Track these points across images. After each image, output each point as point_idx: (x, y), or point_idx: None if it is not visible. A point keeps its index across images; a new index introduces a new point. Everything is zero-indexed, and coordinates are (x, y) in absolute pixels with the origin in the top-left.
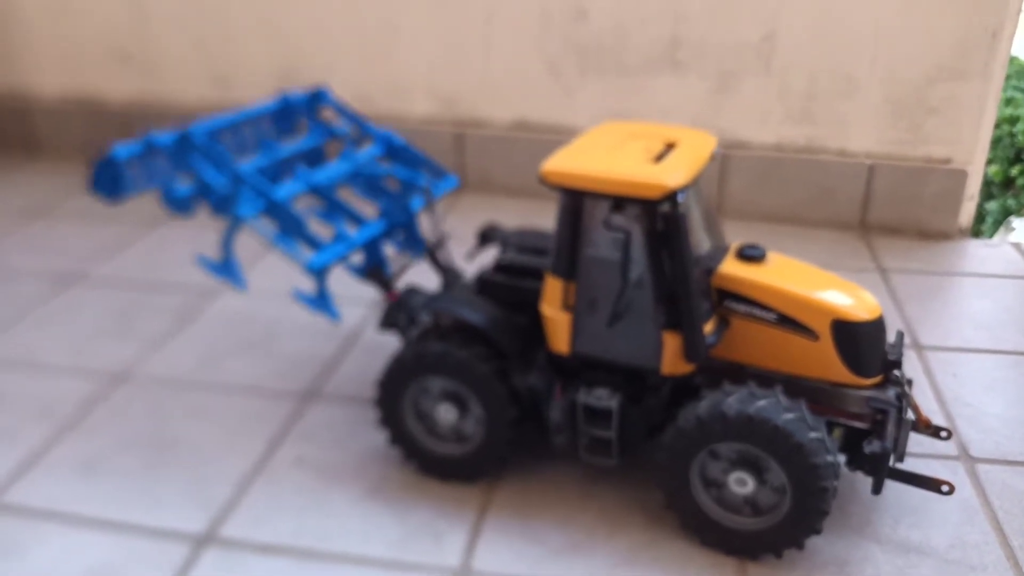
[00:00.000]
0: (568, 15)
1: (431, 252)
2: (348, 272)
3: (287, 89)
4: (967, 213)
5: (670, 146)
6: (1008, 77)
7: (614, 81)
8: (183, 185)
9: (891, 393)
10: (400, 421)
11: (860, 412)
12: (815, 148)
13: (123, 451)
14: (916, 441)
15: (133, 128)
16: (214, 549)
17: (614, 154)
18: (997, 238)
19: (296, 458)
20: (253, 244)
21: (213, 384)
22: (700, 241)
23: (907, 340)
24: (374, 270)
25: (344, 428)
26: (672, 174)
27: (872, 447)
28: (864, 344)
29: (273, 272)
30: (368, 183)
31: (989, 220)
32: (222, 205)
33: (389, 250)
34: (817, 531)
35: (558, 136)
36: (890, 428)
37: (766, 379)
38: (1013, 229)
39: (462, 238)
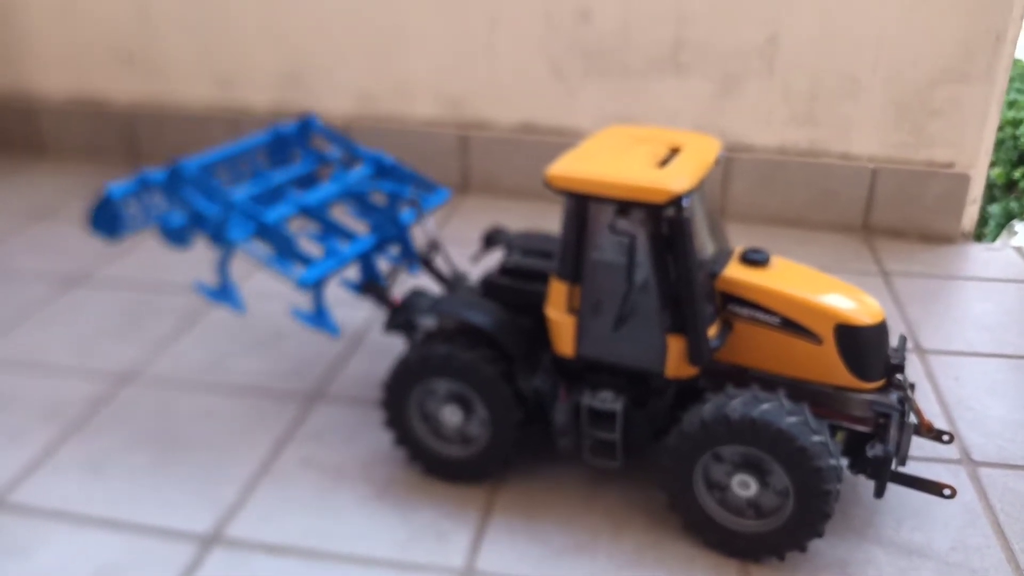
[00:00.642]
0: (572, 18)
1: (426, 262)
2: (344, 289)
3: (278, 122)
4: (970, 216)
5: (675, 151)
6: (1012, 80)
7: (618, 83)
8: (178, 217)
9: (894, 397)
10: (406, 422)
11: (863, 416)
12: (818, 151)
13: (129, 451)
14: (918, 445)
15: (137, 129)
16: (220, 549)
17: (619, 158)
18: (999, 242)
19: (302, 458)
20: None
21: (219, 385)
22: (704, 245)
23: (909, 343)
24: (370, 285)
25: (350, 429)
26: (677, 179)
27: (875, 450)
28: (867, 348)
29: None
30: (358, 201)
31: (992, 223)
32: (216, 232)
33: (383, 264)
34: (819, 534)
35: (562, 138)
36: (892, 432)
37: (769, 383)
38: (1016, 233)
39: (466, 241)
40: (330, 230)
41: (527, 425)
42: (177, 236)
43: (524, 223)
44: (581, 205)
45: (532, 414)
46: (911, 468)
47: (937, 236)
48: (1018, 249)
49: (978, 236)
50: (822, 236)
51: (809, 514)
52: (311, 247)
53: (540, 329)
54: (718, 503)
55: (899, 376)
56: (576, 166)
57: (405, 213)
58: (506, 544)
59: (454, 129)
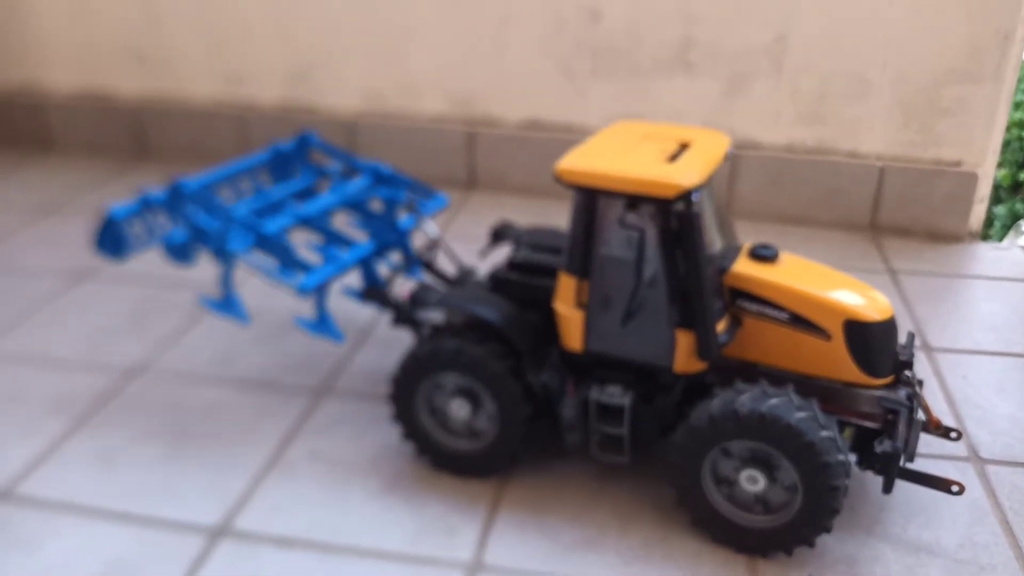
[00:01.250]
0: (581, 17)
1: (426, 264)
2: (347, 296)
3: (276, 141)
4: (977, 216)
5: (684, 146)
6: (1020, 80)
7: (626, 82)
8: (180, 233)
9: (902, 393)
10: (414, 416)
11: (871, 412)
12: (826, 149)
13: (138, 444)
14: (926, 442)
15: (145, 125)
16: (229, 541)
17: (629, 153)
18: (1007, 241)
19: (310, 452)
20: None
21: (227, 378)
22: (713, 240)
23: (917, 342)
24: (371, 290)
25: (358, 422)
26: (687, 173)
27: (883, 447)
28: (876, 344)
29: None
30: (359, 211)
31: (997, 224)
32: (218, 246)
33: (383, 270)
34: (828, 529)
35: (570, 136)
36: (901, 428)
37: (778, 378)
38: (1022, 233)
39: (474, 237)
40: (330, 239)
41: (535, 420)
42: (180, 253)
43: (531, 220)
44: (590, 199)
45: (540, 409)
46: (919, 465)
47: (945, 235)
48: None
49: (983, 237)
50: (829, 234)
51: (817, 510)
52: (312, 257)
53: (549, 324)
54: (726, 498)
55: (908, 372)
56: (585, 160)
57: (404, 219)
58: (514, 538)
59: (461, 126)
